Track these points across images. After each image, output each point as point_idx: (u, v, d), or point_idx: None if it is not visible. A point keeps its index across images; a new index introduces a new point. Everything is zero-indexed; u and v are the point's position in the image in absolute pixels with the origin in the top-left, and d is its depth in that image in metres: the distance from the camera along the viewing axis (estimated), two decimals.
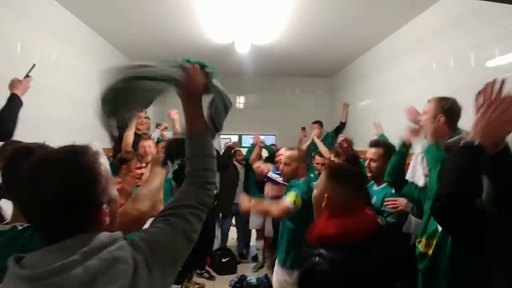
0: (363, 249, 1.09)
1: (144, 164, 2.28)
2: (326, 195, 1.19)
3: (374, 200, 2.07)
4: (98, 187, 0.68)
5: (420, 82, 2.93)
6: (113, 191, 0.73)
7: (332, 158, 2.91)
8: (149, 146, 2.98)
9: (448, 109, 1.59)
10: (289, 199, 1.97)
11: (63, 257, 0.60)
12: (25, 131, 2.31)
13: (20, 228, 0.94)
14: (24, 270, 0.60)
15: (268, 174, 2.93)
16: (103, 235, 0.66)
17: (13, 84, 1.84)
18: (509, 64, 2.01)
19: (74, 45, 3.11)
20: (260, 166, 3.17)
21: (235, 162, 4.34)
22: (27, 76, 1.92)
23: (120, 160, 2.15)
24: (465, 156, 0.92)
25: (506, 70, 2.01)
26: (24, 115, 2.33)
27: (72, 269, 0.59)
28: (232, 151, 4.48)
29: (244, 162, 4.33)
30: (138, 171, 2.19)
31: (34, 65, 1.97)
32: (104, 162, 0.74)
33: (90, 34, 3.44)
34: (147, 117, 3.62)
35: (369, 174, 2.11)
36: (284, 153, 2.33)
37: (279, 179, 2.83)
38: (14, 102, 1.78)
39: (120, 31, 3.53)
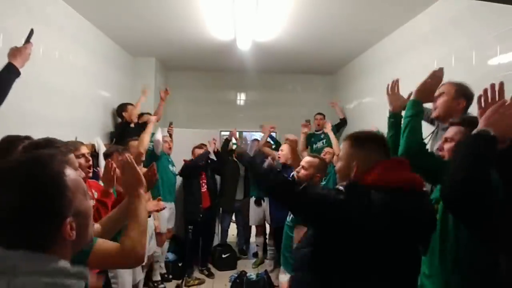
0: (416, 196, 1.06)
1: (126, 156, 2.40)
2: (354, 163, 1.13)
3: None
4: (62, 200, 0.63)
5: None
6: (83, 202, 0.68)
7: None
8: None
9: (469, 96, 1.58)
10: None
11: None
12: (30, 127, 2.31)
13: None
14: None
15: None
16: (52, 264, 0.60)
17: (12, 52, 1.69)
18: (511, 63, 2.00)
19: (77, 42, 3.11)
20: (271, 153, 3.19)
21: (235, 158, 4.34)
22: (26, 42, 1.76)
23: (105, 155, 2.42)
24: (480, 144, 0.94)
25: (507, 69, 2.01)
26: (28, 111, 2.34)
27: None
28: (230, 143, 4.46)
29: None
30: None
31: (32, 30, 1.80)
32: (75, 171, 0.70)
33: (92, 31, 3.43)
34: (148, 113, 3.64)
35: None
36: (305, 158, 2.38)
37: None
38: (8, 71, 1.65)
39: (122, 28, 3.52)
